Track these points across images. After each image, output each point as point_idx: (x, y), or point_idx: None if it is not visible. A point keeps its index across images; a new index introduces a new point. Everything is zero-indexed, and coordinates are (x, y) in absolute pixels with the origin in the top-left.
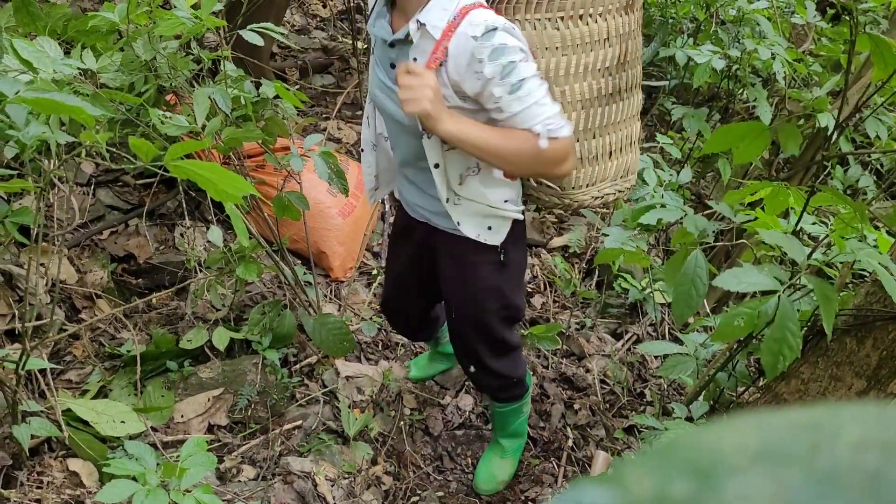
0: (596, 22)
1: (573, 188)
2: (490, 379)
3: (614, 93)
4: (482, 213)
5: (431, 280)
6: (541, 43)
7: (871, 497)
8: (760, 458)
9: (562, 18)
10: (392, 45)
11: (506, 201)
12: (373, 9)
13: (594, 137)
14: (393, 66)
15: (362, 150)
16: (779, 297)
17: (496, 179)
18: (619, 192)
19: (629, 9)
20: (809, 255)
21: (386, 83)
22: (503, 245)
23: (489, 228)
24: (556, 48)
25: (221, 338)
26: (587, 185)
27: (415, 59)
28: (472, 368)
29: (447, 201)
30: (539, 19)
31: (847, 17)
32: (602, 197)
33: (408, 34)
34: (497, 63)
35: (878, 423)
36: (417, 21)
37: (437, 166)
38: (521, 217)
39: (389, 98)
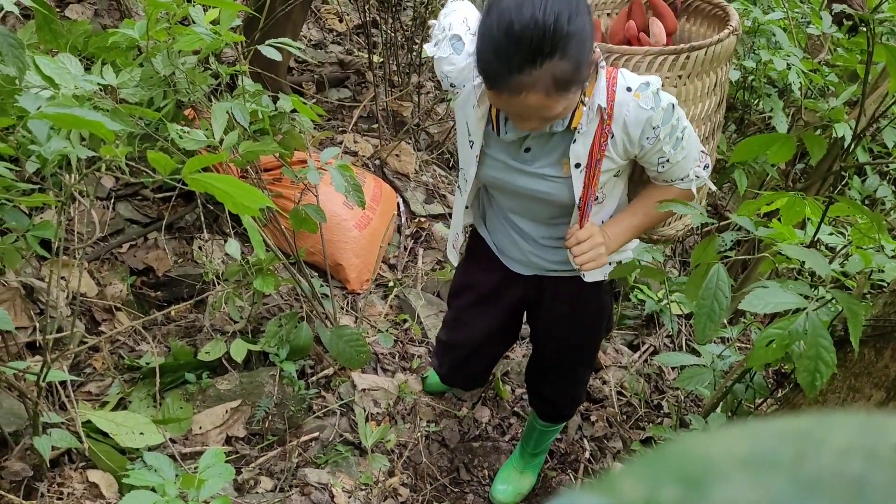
0: (708, 76)
1: (666, 224)
2: (558, 403)
3: (711, 134)
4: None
5: (516, 331)
6: None
7: (855, 502)
8: (747, 465)
9: (679, 77)
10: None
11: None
12: (498, 113)
13: None
14: (528, 150)
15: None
16: (807, 314)
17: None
18: (686, 228)
19: (728, 60)
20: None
21: (518, 166)
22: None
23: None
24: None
25: (239, 350)
26: (678, 219)
27: (574, 141)
28: (551, 392)
29: None
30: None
31: (864, 29)
32: (685, 228)
33: (570, 123)
34: (669, 124)
35: (864, 431)
36: (599, 106)
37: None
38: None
39: (522, 174)
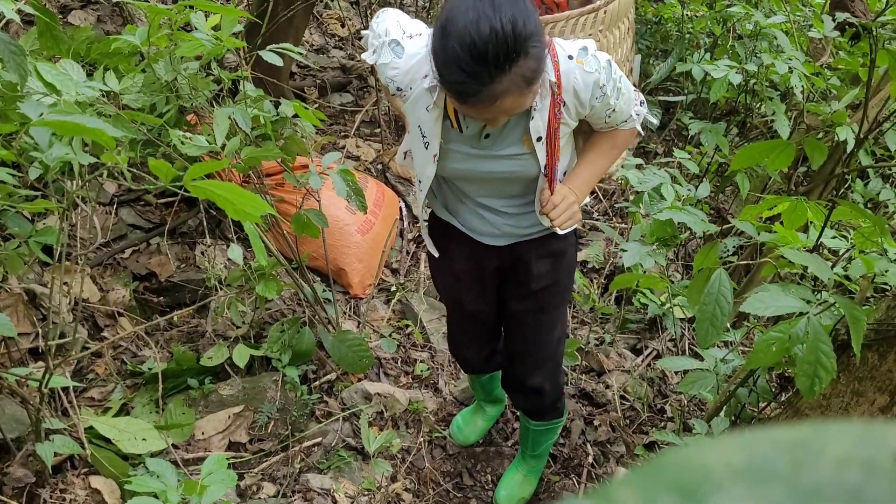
0: (622, 23)
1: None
2: (544, 392)
3: (629, 73)
4: None
5: (499, 301)
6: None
7: None
8: (744, 476)
9: (600, 31)
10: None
11: None
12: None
13: None
14: (487, 136)
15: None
16: (808, 318)
17: None
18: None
19: (632, 6)
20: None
21: (481, 153)
22: None
23: None
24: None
25: (242, 355)
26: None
27: (532, 118)
28: (535, 381)
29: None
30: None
31: (867, 36)
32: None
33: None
34: (611, 80)
35: (862, 441)
36: (549, 81)
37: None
38: None
39: (487, 159)
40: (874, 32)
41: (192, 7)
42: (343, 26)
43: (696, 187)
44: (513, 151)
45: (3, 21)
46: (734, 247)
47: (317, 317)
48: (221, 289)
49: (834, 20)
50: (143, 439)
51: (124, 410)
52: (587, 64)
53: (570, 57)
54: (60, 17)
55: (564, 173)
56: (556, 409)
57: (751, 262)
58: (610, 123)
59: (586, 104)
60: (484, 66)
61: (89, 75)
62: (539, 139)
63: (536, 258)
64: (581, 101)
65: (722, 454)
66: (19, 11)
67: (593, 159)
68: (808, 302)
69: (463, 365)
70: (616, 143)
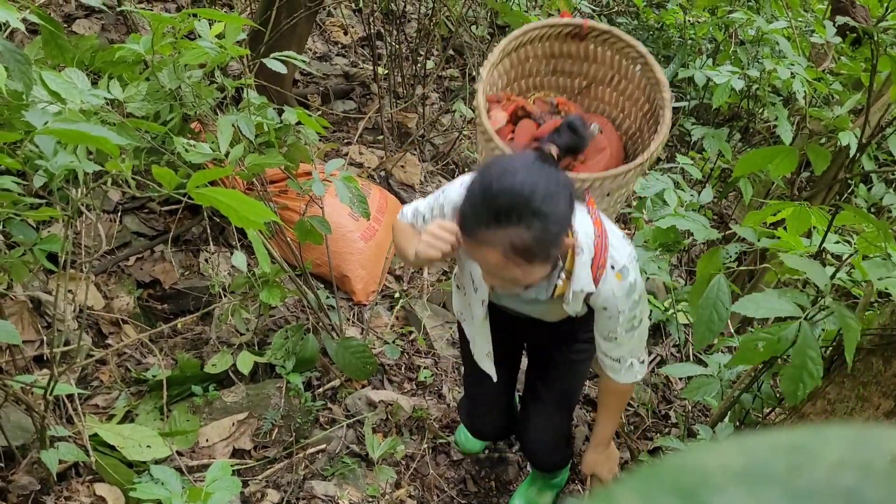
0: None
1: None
2: (560, 446)
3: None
4: None
5: (516, 365)
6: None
7: None
8: (742, 478)
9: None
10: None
11: None
12: None
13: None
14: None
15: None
16: (800, 324)
17: None
18: None
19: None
20: (833, 276)
21: (517, 302)
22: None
23: None
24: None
25: (246, 362)
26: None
27: (566, 304)
28: (554, 441)
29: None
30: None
31: (868, 40)
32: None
33: (554, 292)
34: (631, 314)
35: (858, 445)
36: (574, 292)
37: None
38: None
39: (523, 303)
40: (875, 37)
41: (195, 16)
42: (346, 34)
43: (699, 193)
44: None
45: (9, 30)
46: (736, 252)
47: (320, 323)
48: (225, 296)
49: (835, 25)
50: (148, 446)
51: (129, 417)
52: (621, 289)
53: (613, 267)
54: (65, 26)
55: None
56: (564, 455)
57: (752, 268)
58: (603, 348)
59: (598, 310)
60: (486, 209)
61: (94, 84)
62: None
63: (548, 328)
64: (597, 306)
65: (720, 457)
66: (24, 20)
67: (609, 417)
68: (803, 308)
69: (472, 429)
70: (622, 399)
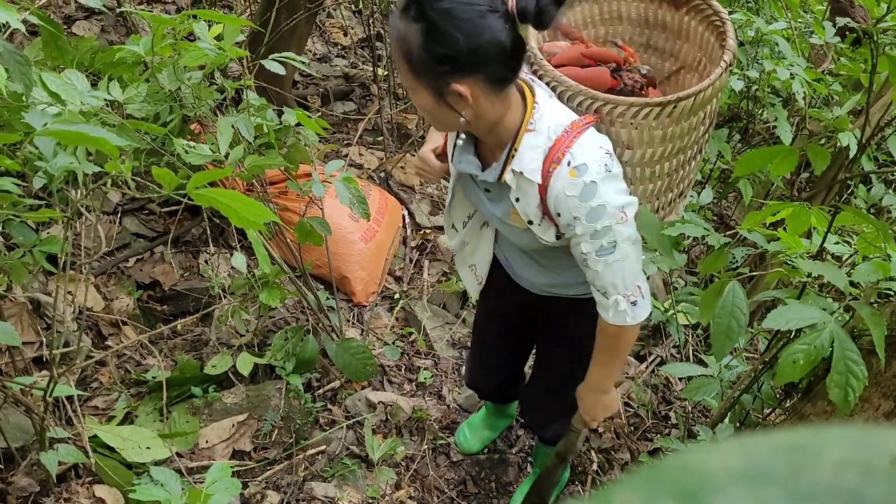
0: (675, 125)
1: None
2: (560, 417)
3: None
4: None
5: (529, 335)
6: (640, 139)
7: None
8: (743, 479)
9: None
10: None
11: None
12: (455, 145)
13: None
14: (488, 190)
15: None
16: (830, 329)
17: None
18: None
19: (719, 94)
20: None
21: (486, 205)
22: None
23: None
24: (655, 142)
25: (245, 363)
26: (672, 212)
27: (517, 200)
28: (556, 414)
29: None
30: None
31: (868, 41)
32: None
33: (501, 177)
34: (591, 226)
35: (860, 445)
36: (513, 171)
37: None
38: None
39: (490, 211)
40: (875, 38)
41: (195, 17)
42: (346, 35)
43: (699, 194)
44: (508, 221)
45: (8, 31)
46: (742, 256)
47: (320, 325)
48: (225, 297)
49: (834, 26)
50: (147, 448)
51: (128, 419)
52: (574, 188)
53: (573, 182)
54: (65, 27)
55: None
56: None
57: (758, 273)
58: (590, 280)
59: (557, 217)
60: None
61: (93, 85)
62: (531, 223)
63: (555, 307)
64: (556, 210)
65: (721, 458)
66: (24, 22)
67: (599, 360)
68: (829, 311)
69: (474, 386)
70: (613, 343)
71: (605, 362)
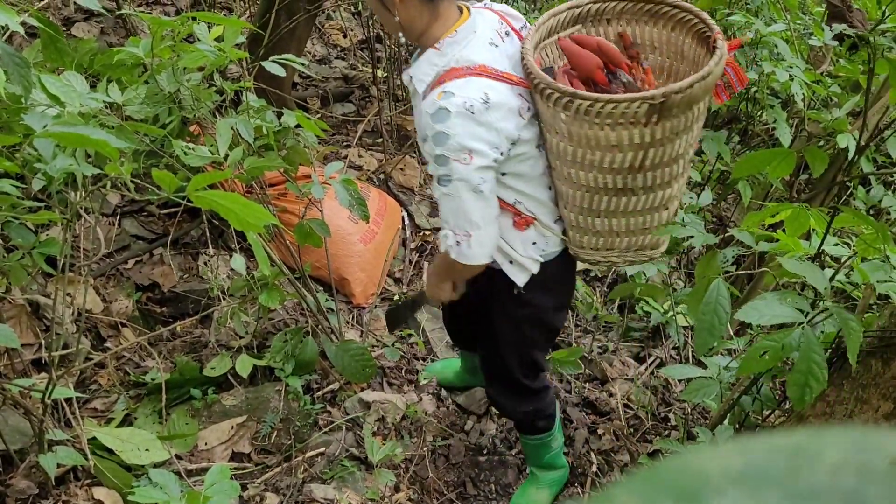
0: (603, 130)
1: (580, 247)
2: (500, 405)
3: (624, 189)
4: (501, 248)
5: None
6: (552, 125)
7: None
8: (742, 481)
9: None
10: None
11: (514, 248)
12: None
13: (598, 217)
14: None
15: None
16: (802, 328)
17: (505, 228)
18: (630, 262)
19: (650, 123)
20: (832, 278)
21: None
22: (526, 287)
23: (510, 262)
24: (564, 136)
25: (245, 365)
26: (592, 249)
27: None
28: (490, 392)
29: None
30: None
31: (865, 46)
32: (608, 262)
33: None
34: (435, 149)
35: (858, 446)
36: (409, 75)
37: None
38: (535, 269)
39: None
40: (872, 41)
41: (194, 18)
42: (345, 37)
43: (698, 195)
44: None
45: (7, 33)
46: (733, 256)
47: (320, 326)
48: (224, 299)
49: (831, 30)
50: (146, 450)
51: (127, 421)
52: (431, 106)
53: (433, 100)
54: (64, 29)
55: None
56: (533, 426)
57: (750, 272)
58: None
59: (421, 143)
60: None
61: (93, 87)
62: (424, 141)
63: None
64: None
65: (720, 460)
66: (23, 24)
67: (439, 264)
68: (804, 312)
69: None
70: (448, 267)
71: (440, 267)
